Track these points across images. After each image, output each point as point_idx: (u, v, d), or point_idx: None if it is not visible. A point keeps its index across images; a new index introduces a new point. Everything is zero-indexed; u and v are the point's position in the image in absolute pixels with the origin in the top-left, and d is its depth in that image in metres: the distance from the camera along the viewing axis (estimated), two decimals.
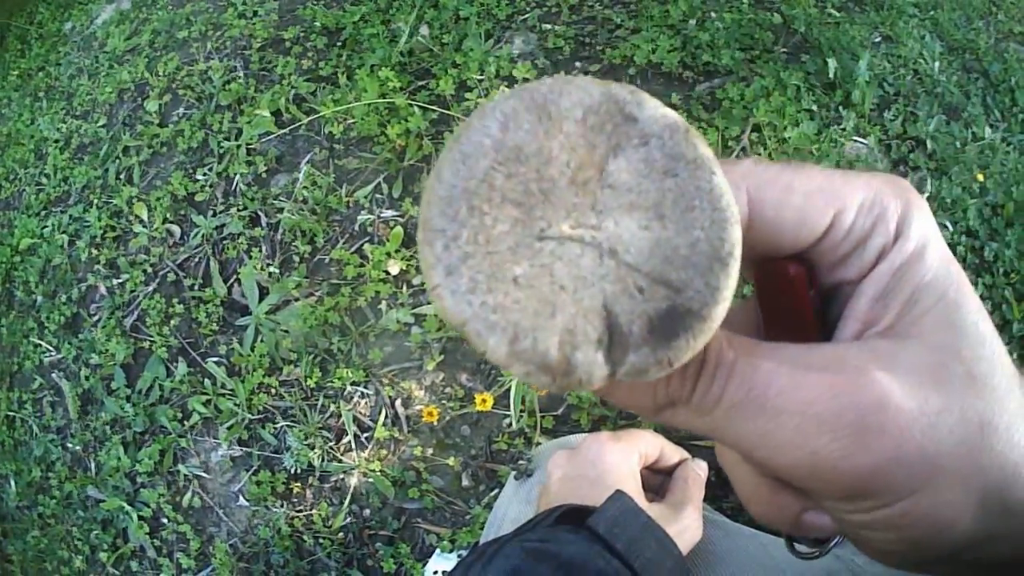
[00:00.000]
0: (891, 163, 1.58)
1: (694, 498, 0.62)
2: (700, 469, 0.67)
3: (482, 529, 1.33)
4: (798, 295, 0.22)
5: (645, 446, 0.64)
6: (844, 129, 1.59)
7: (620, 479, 0.59)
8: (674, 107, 1.46)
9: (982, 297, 1.50)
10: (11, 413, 1.75)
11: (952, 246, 1.49)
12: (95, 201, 1.69)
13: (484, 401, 1.18)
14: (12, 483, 1.76)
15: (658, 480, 0.67)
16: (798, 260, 0.22)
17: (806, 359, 0.21)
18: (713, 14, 1.66)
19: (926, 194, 1.56)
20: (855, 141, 1.62)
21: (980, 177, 1.61)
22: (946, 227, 1.54)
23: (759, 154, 1.46)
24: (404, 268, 1.34)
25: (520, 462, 0.76)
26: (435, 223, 0.17)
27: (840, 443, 0.20)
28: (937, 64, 1.83)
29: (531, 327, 0.17)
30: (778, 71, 1.59)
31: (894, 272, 0.22)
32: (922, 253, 0.22)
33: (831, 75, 1.63)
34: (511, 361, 0.17)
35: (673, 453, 0.68)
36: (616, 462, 0.60)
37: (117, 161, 1.70)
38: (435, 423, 1.27)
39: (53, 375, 1.68)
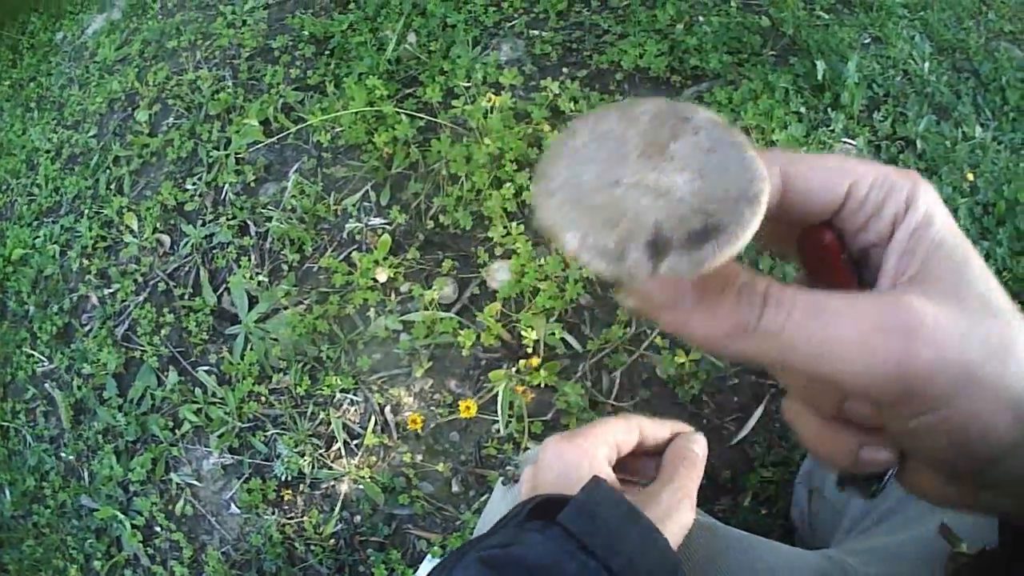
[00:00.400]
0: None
1: (682, 477, 0.55)
2: (695, 444, 0.59)
3: (472, 535, 1.33)
4: (834, 258, 0.28)
5: (613, 434, 0.57)
6: (833, 131, 1.59)
7: (582, 478, 0.52)
8: None
9: None
10: (4, 423, 1.76)
11: None
12: (86, 211, 1.70)
13: (468, 408, 1.19)
14: (7, 493, 1.76)
15: (652, 465, 0.60)
16: (830, 229, 0.28)
17: (854, 295, 0.26)
18: (701, 18, 1.66)
19: None
20: (844, 143, 1.62)
21: (971, 176, 1.62)
22: None
23: None
24: (392, 275, 1.34)
25: (507, 467, 0.76)
26: (545, 170, 0.25)
27: (892, 346, 0.24)
28: (927, 64, 1.83)
29: (597, 231, 0.23)
30: (766, 74, 1.59)
31: (911, 235, 0.26)
32: (931, 219, 0.27)
33: (820, 77, 1.63)
34: (580, 250, 0.23)
35: (659, 429, 0.61)
36: (574, 461, 0.54)
37: (108, 171, 1.71)
38: (420, 430, 1.27)
39: (46, 385, 1.69)
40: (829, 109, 1.63)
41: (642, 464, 0.59)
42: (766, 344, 0.25)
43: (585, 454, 0.53)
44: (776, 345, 0.25)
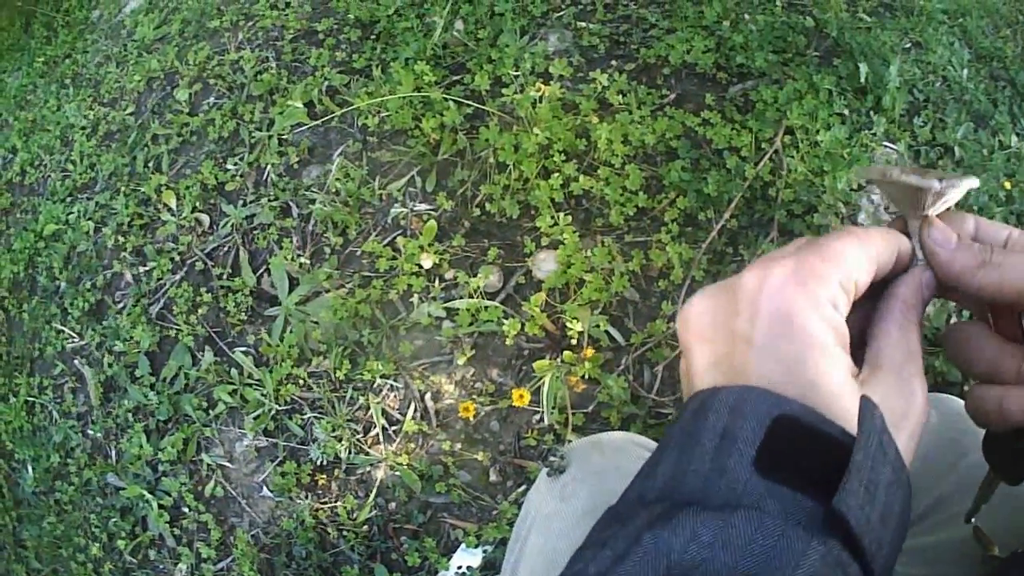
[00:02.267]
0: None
1: (911, 340, 0.36)
2: (944, 236, 0.38)
3: (509, 526, 1.32)
4: None
5: (850, 267, 0.35)
6: (875, 134, 1.59)
7: (795, 347, 0.32)
8: (708, 108, 1.46)
9: None
10: (31, 399, 1.75)
11: None
12: (122, 188, 1.69)
13: (521, 397, 1.18)
14: (30, 469, 1.75)
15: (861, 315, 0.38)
16: None
17: None
18: (747, 16, 1.65)
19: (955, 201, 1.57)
20: (885, 146, 1.61)
21: (1007, 185, 1.61)
22: None
23: (791, 157, 1.46)
24: (437, 262, 1.33)
25: (552, 458, 0.75)
26: (865, 172, 0.42)
27: None
28: (965, 72, 1.83)
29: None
30: (810, 74, 1.58)
31: None
32: None
33: (862, 80, 1.63)
34: (867, 178, 0.42)
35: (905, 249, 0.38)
36: (786, 309, 0.33)
37: (146, 149, 1.70)
38: (471, 419, 1.27)
39: (75, 361, 1.68)
40: (871, 112, 1.62)
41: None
42: (995, 273, 0.36)
43: (809, 304, 0.33)
44: (999, 274, 0.36)
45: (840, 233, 0.35)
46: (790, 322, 0.32)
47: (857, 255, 0.35)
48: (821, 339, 0.32)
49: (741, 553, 0.27)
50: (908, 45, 1.85)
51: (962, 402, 0.70)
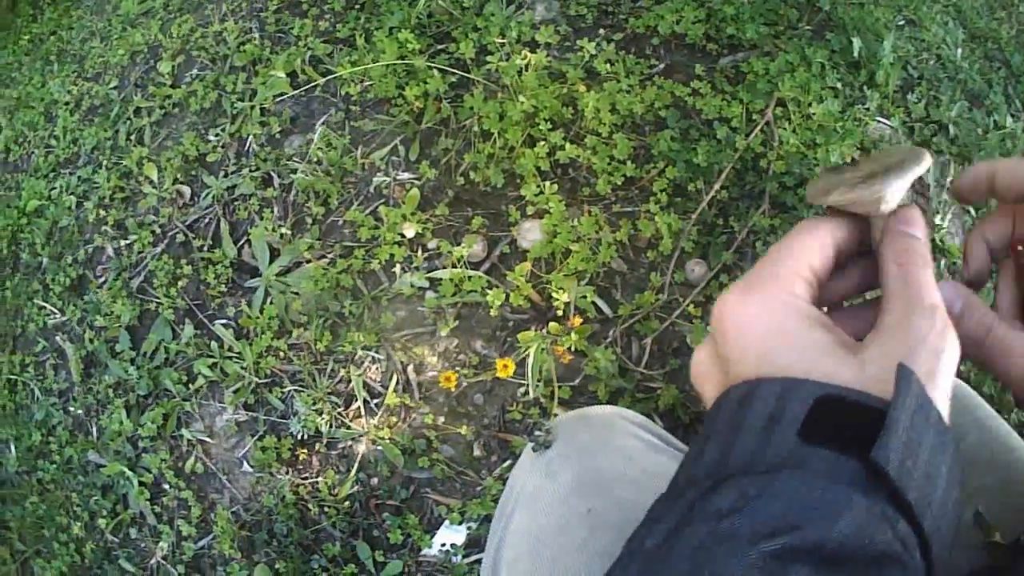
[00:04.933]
0: (914, 145, 1.56)
1: (924, 285, 0.35)
2: (914, 227, 0.38)
3: (494, 502, 1.29)
4: None
5: (807, 260, 0.37)
6: (868, 109, 1.56)
7: (762, 345, 0.35)
8: (698, 78, 1.43)
9: None
10: (12, 377, 1.72)
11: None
12: (104, 162, 1.66)
13: (505, 367, 1.15)
14: (12, 448, 1.73)
15: (856, 275, 0.40)
16: None
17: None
18: None
19: (949, 178, 1.54)
20: (879, 121, 1.59)
21: None
22: (969, 213, 1.52)
23: (783, 129, 1.43)
24: (419, 231, 1.30)
25: (537, 433, 0.72)
26: (812, 188, 0.43)
27: None
28: (960, 51, 1.81)
29: (823, 193, 0.41)
30: (803, 47, 1.56)
31: None
32: None
33: (855, 54, 1.60)
34: (812, 199, 0.42)
35: (851, 226, 0.40)
36: (743, 319, 0.35)
37: (128, 122, 1.67)
38: (452, 389, 1.24)
39: (57, 338, 1.65)
40: (864, 87, 1.60)
41: (833, 279, 0.40)
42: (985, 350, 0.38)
43: (784, 306, 0.35)
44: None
45: (793, 230, 0.39)
46: (750, 330, 0.35)
47: (804, 243, 0.37)
48: (784, 327, 0.35)
49: (785, 504, 0.28)
50: (902, 22, 1.83)
51: (960, 383, 0.68)
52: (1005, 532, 0.44)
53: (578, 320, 1.19)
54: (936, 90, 1.67)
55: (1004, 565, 0.42)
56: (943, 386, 0.32)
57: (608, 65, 1.39)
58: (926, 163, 0.38)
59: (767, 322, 0.35)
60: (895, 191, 0.37)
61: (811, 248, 0.37)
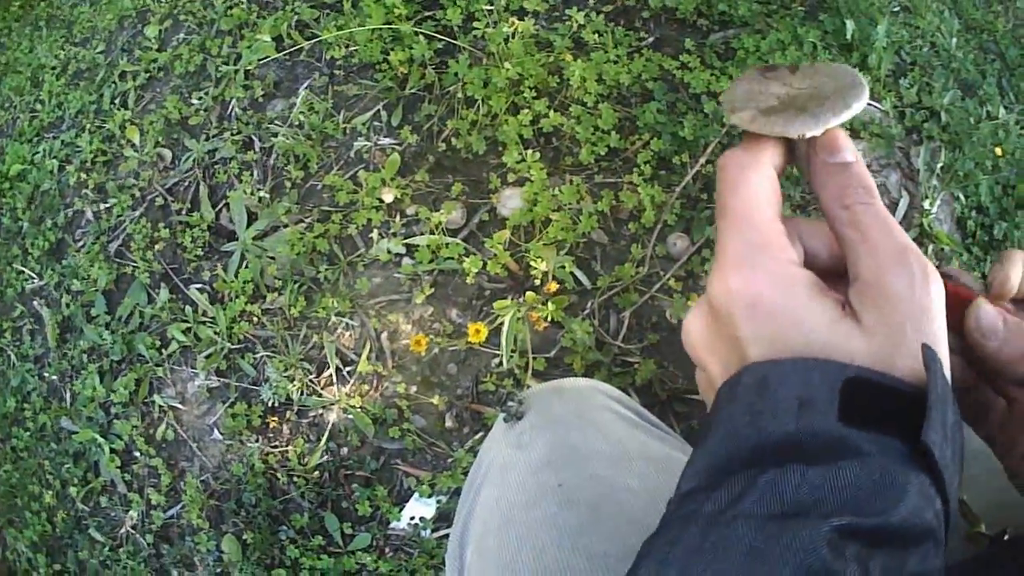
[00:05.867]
0: (905, 130, 1.53)
1: (882, 228, 0.34)
2: (836, 153, 0.36)
3: (464, 475, 1.26)
4: None
5: (771, 202, 0.36)
6: None
7: (775, 323, 0.34)
8: (687, 52, 1.41)
9: None
10: None
11: (962, 220, 1.47)
12: (87, 126, 1.64)
13: (478, 332, 1.12)
14: None
15: (813, 232, 0.38)
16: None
17: None
18: None
19: (940, 164, 1.52)
20: (870, 104, 1.56)
21: (998, 151, 1.57)
22: (958, 199, 1.50)
23: None
24: (398, 196, 1.28)
25: (510, 403, 0.69)
26: (730, 93, 0.38)
27: None
28: (954, 40, 1.79)
29: (742, 104, 0.37)
30: (795, 27, 1.54)
31: None
32: None
33: (848, 36, 1.58)
34: (730, 111, 0.37)
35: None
36: (750, 299, 0.34)
37: (113, 86, 1.66)
38: (422, 353, 1.21)
39: (34, 303, 1.63)
40: (856, 69, 1.58)
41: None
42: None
43: (789, 278, 0.34)
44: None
45: (731, 168, 0.36)
46: (762, 309, 0.34)
47: (759, 186, 0.35)
48: (793, 303, 0.34)
49: (850, 491, 0.29)
50: (897, 8, 1.81)
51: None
52: (989, 523, 0.44)
53: (553, 285, 1.16)
54: (929, 77, 1.65)
55: (988, 556, 0.42)
56: (943, 340, 0.33)
57: (596, 36, 1.37)
58: (863, 101, 0.34)
59: (776, 300, 0.34)
60: (823, 123, 0.34)
61: (766, 190, 0.35)
